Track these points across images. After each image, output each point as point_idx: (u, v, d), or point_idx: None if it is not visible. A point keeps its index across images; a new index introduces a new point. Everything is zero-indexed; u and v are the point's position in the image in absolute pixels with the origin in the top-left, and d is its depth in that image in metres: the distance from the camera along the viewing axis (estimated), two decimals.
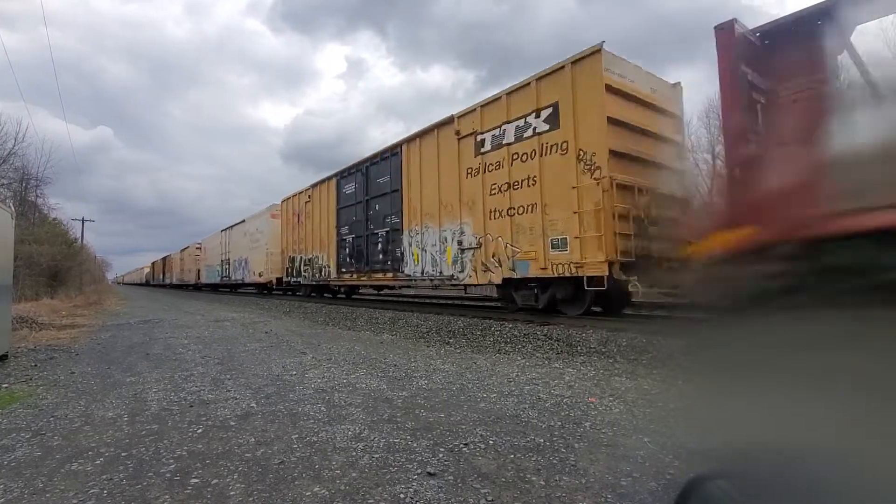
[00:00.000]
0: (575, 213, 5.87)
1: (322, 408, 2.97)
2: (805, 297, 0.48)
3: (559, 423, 2.60)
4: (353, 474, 1.98)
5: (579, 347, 4.74)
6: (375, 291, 12.88)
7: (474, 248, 7.47)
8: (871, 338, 0.39)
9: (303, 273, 13.99)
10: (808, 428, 0.44)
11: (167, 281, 42.14)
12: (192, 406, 3.08)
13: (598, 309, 6.63)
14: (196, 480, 1.96)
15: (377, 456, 2.17)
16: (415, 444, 2.31)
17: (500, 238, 6.98)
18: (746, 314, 0.55)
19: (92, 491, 1.89)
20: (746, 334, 0.57)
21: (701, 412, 2.58)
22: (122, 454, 2.27)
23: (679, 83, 7.07)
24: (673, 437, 2.35)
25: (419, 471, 2.00)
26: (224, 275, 21.86)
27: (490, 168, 7.24)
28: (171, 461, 2.17)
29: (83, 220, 32.92)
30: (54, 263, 18.02)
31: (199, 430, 2.59)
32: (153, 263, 55.88)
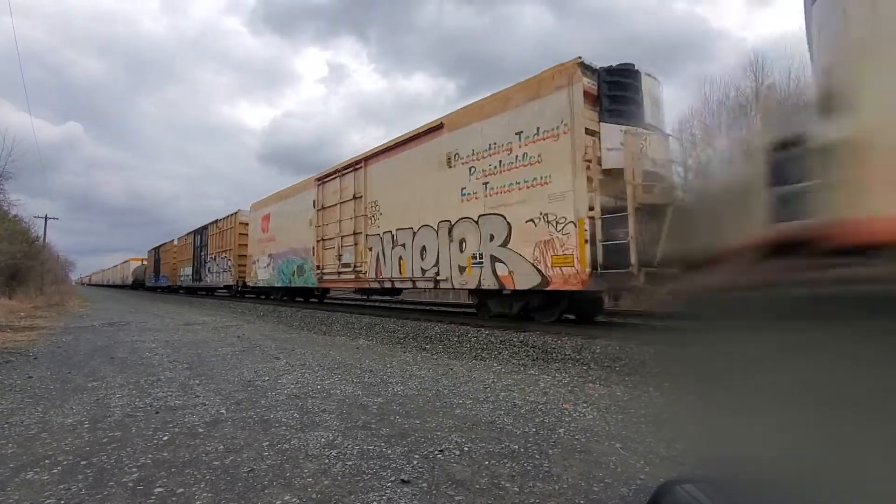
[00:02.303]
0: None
1: (295, 414, 2.91)
2: (764, 310, 0.50)
3: (534, 430, 2.61)
4: (326, 482, 1.95)
5: (555, 354, 4.79)
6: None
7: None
8: (833, 348, 0.40)
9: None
10: (776, 435, 0.46)
11: (200, 280, 20.88)
12: (158, 412, 2.98)
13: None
14: (160, 489, 1.89)
15: (350, 463, 2.14)
16: (389, 451, 2.28)
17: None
18: (714, 325, 0.57)
19: (48, 501, 1.80)
20: (713, 344, 0.58)
21: (674, 419, 2.64)
22: (82, 462, 2.17)
23: None
24: (644, 442, 2.40)
25: (393, 478, 1.98)
26: None
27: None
28: (134, 469, 2.08)
29: (46, 218, 31.63)
30: (14, 262, 17.21)
31: (165, 438, 2.50)
32: (155, 250, 32.32)
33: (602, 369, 4.19)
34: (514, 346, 5.27)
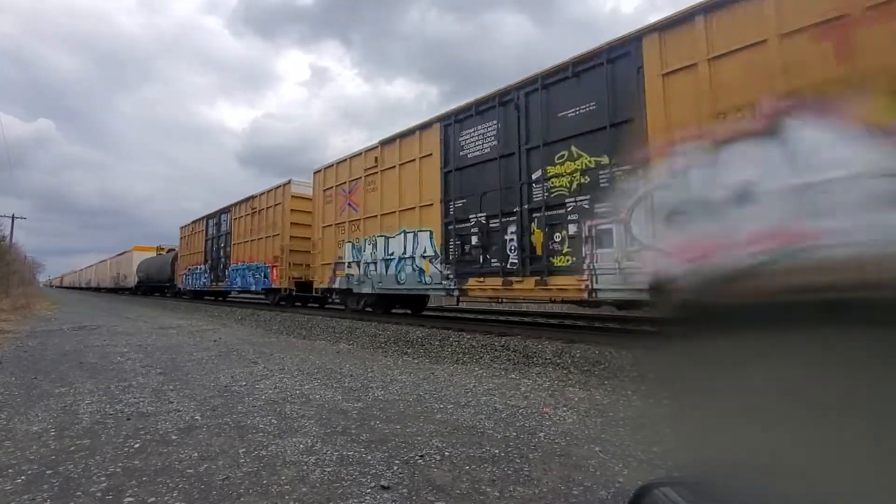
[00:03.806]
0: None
1: (272, 420, 2.86)
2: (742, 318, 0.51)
3: (514, 434, 2.62)
4: (304, 489, 1.91)
5: (535, 358, 4.82)
6: None
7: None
8: (812, 352, 0.41)
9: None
10: (753, 437, 0.46)
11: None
12: (129, 419, 2.89)
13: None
14: (130, 499, 1.83)
15: (329, 470, 2.11)
16: (369, 457, 2.26)
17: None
18: (694, 329, 0.58)
19: None
20: (693, 348, 0.59)
21: (652, 422, 2.68)
22: (48, 472, 2.09)
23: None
24: (622, 445, 2.43)
25: (373, 484, 1.96)
26: None
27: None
28: (103, 479, 2.01)
29: (13, 217, 30.54)
30: None
31: (137, 445, 2.42)
32: (204, 221, 18.03)
33: (582, 373, 4.24)
34: (496, 350, 5.28)
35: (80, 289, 53.14)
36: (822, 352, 0.40)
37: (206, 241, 17.68)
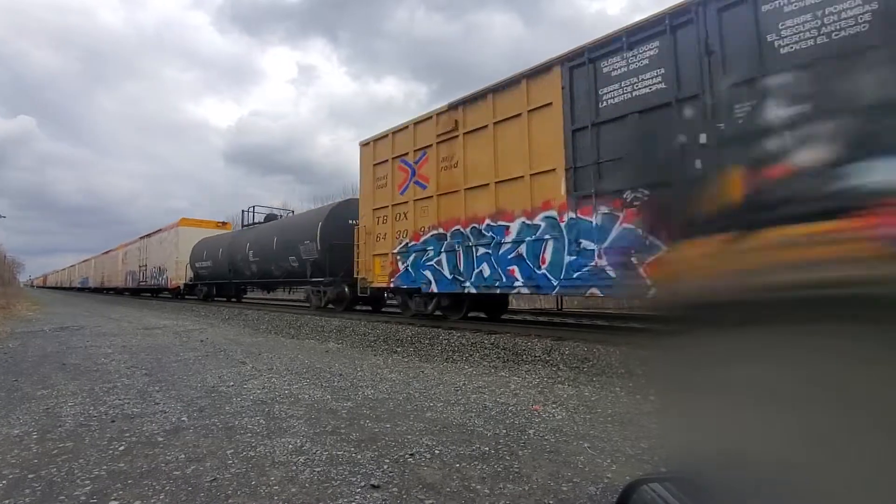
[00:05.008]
0: None
1: (261, 420, 2.83)
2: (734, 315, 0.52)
3: (504, 431, 2.63)
4: (293, 490, 1.90)
5: (524, 356, 4.84)
6: None
7: None
8: (799, 350, 0.42)
9: None
10: (742, 433, 0.47)
11: None
12: (113, 421, 2.84)
13: None
14: (115, 502, 1.80)
15: (319, 469, 2.10)
16: (359, 456, 2.25)
17: None
18: (686, 329, 0.58)
19: None
20: (682, 346, 0.60)
21: (640, 419, 2.70)
22: (30, 476, 2.04)
23: None
24: (611, 441, 2.45)
25: (363, 483, 1.95)
26: None
27: None
28: (87, 482, 1.98)
29: None
30: None
31: (122, 448, 2.38)
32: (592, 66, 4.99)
33: (571, 370, 4.27)
34: (485, 348, 5.30)
35: (78, 290, 42.28)
36: (814, 349, 0.41)
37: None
